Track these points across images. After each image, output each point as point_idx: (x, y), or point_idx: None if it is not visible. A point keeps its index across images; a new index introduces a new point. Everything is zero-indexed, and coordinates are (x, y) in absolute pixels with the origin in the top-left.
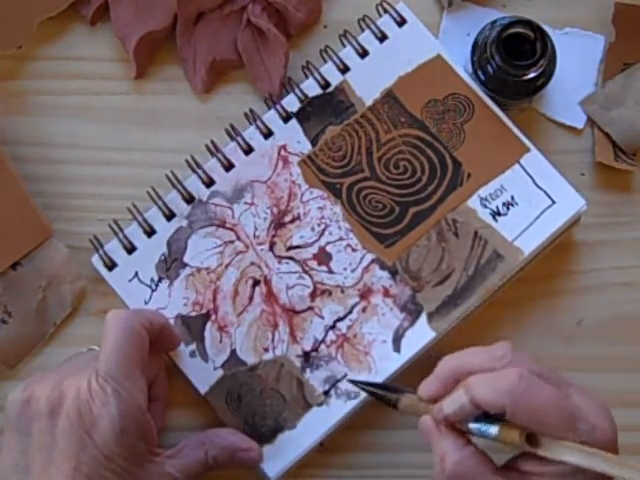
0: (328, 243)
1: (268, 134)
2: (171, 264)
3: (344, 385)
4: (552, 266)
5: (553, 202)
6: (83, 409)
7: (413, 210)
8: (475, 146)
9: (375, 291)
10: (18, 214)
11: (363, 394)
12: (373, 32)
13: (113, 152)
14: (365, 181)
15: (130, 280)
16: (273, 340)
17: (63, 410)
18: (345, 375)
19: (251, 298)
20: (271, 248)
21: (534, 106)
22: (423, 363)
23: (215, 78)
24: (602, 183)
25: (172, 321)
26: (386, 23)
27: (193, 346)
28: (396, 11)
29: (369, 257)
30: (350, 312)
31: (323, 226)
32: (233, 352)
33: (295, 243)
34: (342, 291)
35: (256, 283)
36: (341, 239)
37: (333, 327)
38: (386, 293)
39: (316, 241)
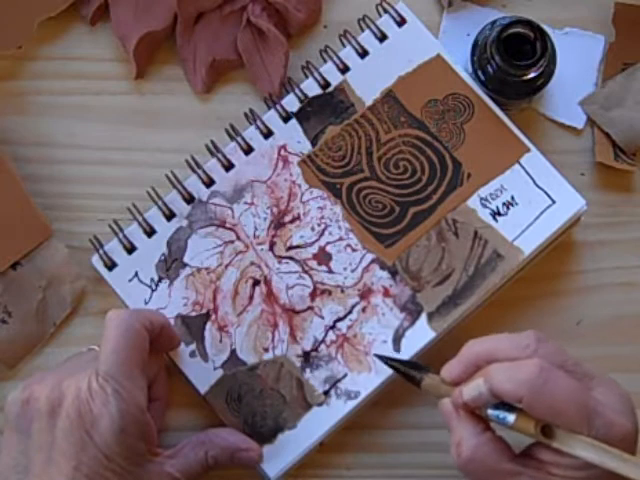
0: (328, 243)
1: (268, 134)
2: (171, 264)
3: (344, 385)
4: (552, 266)
5: (553, 202)
6: (83, 409)
7: (413, 210)
8: (475, 146)
9: (375, 291)
10: (18, 214)
11: (363, 394)
12: (373, 32)
13: (113, 152)
14: (365, 181)
15: (130, 280)
16: (273, 340)
17: (63, 410)
18: (345, 375)
19: (251, 298)
20: (271, 248)
21: (534, 106)
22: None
23: (215, 78)
24: (602, 183)
25: (172, 321)
26: (386, 23)
27: (193, 346)
28: (396, 11)
29: (369, 257)
30: (350, 312)
31: (323, 226)
32: (233, 352)
33: (295, 243)
34: (342, 291)
35: (256, 283)
36: (341, 239)
37: (333, 327)
38: (386, 293)
39: (316, 241)
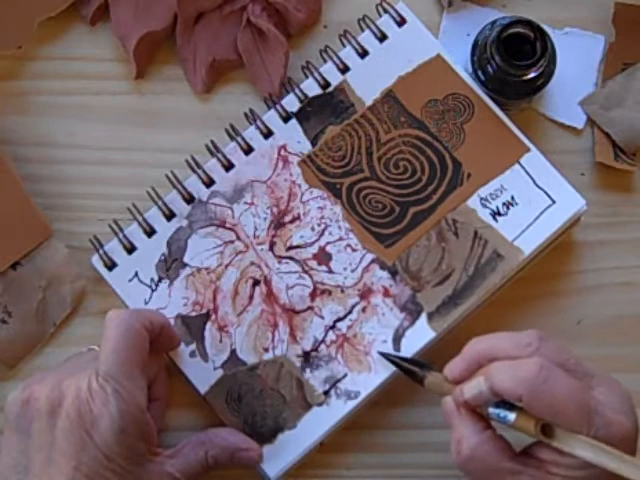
0: (328, 243)
1: (268, 134)
2: (171, 264)
3: (344, 385)
4: (552, 266)
5: (553, 202)
6: (83, 409)
7: (413, 210)
8: (475, 146)
9: (375, 291)
10: (18, 214)
11: (363, 394)
12: (373, 32)
13: (113, 152)
14: (365, 181)
15: (130, 280)
16: (273, 340)
17: (63, 410)
18: (345, 375)
19: (251, 298)
20: (271, 248)
21: (534, 106)
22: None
23: (215, 78)
24: (602, 183)
25: (172, 321)
26: (386, 23)
27: (193, 346)
28: (396, 11)
29: (369, 257)
30: (350, 312)
31: (323, 226)
32: (233, 352)
33: (295, 243)
34: (342, 291)
35: (256, 283)
36: (341, 239)
37: (333, 327)
38: (386, 293)
39: (316, 241)
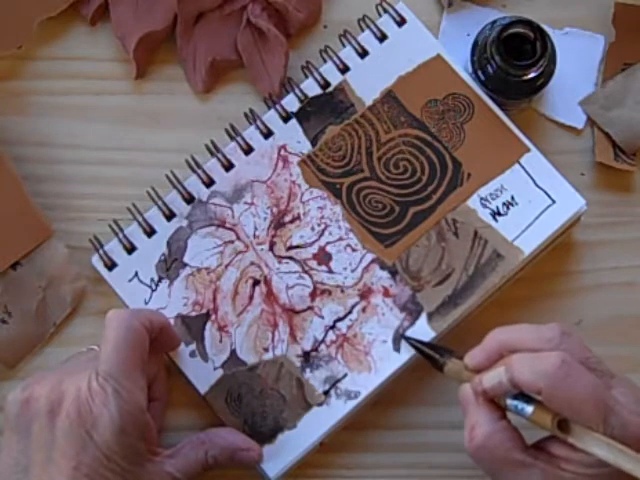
0: (328, 243)
1: (268, 134)
2: (171, 264)
3: (344, 385)
4: (552, 266)
5: (553, 202)
6: (83, 409)
7: (413, 210)
8: (475, 146)
9: (375, 291)
10: (18, 214)
11: (363, 394)
12: (373, 32)
13: (113, 152)
14: (365, 181)
15: (130, 280)
16: (273, 340)
17: (63, 410)
18: (345, 375)
19: (251, 298)
20: (271, 248)
21: (534, 106)
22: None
23: (215, 78)
24: (602, 183)
25: (172, 321)
26: (386, 23)
27: (193, 346)
28: (396, 11)
29: (369, 257)
30: (350, 312)
31: (323, 226)
32: (233, 352)
33: (295, 243)
34: (342, 291)
35: (256, 283)
36: (341, 239)
37: (333, 327)
38: (386, 293)
39: (316, 241)
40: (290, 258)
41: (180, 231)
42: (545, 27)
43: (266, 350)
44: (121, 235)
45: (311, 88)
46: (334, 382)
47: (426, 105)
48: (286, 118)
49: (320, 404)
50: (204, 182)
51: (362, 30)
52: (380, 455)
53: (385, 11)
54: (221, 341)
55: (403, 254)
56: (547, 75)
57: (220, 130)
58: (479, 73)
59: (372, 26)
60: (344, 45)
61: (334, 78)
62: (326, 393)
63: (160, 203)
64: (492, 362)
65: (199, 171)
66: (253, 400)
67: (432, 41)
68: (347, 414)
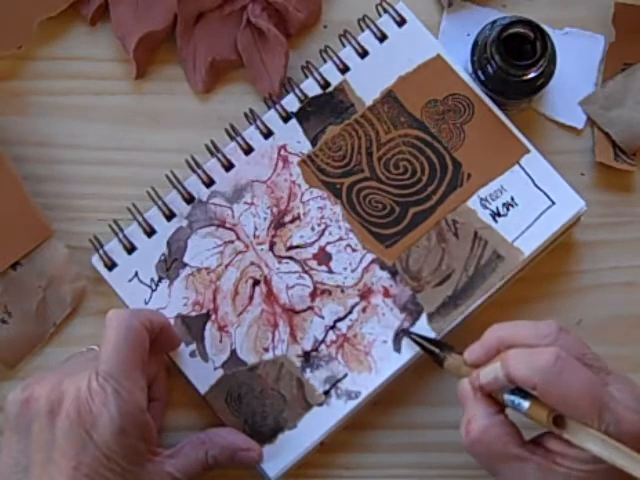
0: (328, 243)
1: (268, 134)
2: (171, 264)
3: (344, 385)
4: (552, 266)
5: (553, 203)
6: (83, 408)
7: (413, 210)
8: (475, 147)
9: (375, 291)
10: (18, 214)
11: (363, 394)
12: (373, 32)
13: (113, 152)
14: (365, 181)
15: (130, 280)
16: (273, 340)
17: (62, 410)
18: (345, 375)
19: (251, 298)
20: (271, 248)
21: (534, 106)
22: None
23: (215, 78)
24: (602, 183)
25: (172, 321)
26: (386, 23)
27: (193, 346)
28: (396, 11)
29: (369, 257)
30: (350, 312)
31: (323, 226)
32: (233, 352)
33: (295, 243)
34: (342, 291)
35: (256, 283)
36: (341, 239)
37: (333, 327)
38: (386, 293)
39: (316, 241)
40: (290, 258)
41: (180, 231)
42: (545, 27)
43: (266, 350)
44: (121, 235)
45: (311, 88)
46: (334, 382)
47: (426, 105)
48: (286, 118)
49: (320, 404)
50: (204, 182)
51: (362, 30)
52: (380, 455)
53: (385, 11)
54: (221, 341)
55: (403, 254)
56: (547, 75)
57: (220, 130)
58: (479, 73)
59: (372, 26)
60: (344, 45)
61: (334, 78)
62: (326, 393)
63: (160, 203)
64: (490, 357)
65: (199, 171)
66: (253, 400)
67: (432, 41)
68: (347, 414)
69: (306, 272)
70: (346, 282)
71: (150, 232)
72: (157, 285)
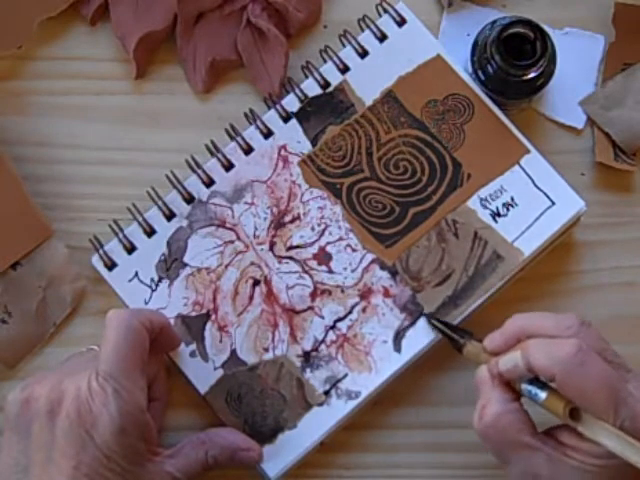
0: (328, 243)
1: (268, 134)
2: (171, 264)
3: (344, 385)
4: (552, 266)
5: (553, 203)
6: (83, 408)
7: (413, 210)
8: (475, 147)
9: (375, 291)
10: (18, 214)
11: (363, 394)
12: (373, 32)
13: (113, 152)
14: (365, 181)
15: (130, 280)
16: (273, 340)
17: (63, 410)
18: (346, 375)
19: (251, 298)
20: (271, 248)
21: (534, 106)
22: None
23: (215, 78)
24: (602, 183)
25: (172, 321)
26: (386, 23)
27: (193, 346)
28: (396, 11)
29: (369, 257)
30: (350, 312)
31: (323, 226)
32: (233, 352)
33: (295, 243)
34: (342, 291)
35: (256, 283)
36: (341, 239)
37: (333, 327)
38: (386, 293)
39: (316, 241)
40: (290, 258)
41: (180, 231)
42: (545, 27)
43: (266, 350)
44: (121, 235)
45: (311, 88)
46: (334, 382)
47: (426, 105)
48: (286, 118)
49: (320, 404)
50: (204, 182)
51: (362, 30)
52: (380, 455)
53: (385, 11)
54: (221, 341)
55: (403, 254)
56: (547, 75)
57: (220, 130)
58: (479, 73)
59: (372, 26)
60: (344, 45)
61: (334, 78)
62: (326, 393)
63: (160, 203)
64: (510, 346)
65: (199, 171)
66: (253, 400)
67: (432, 41)
68: (347, 414)
69: (306, 272)
70: (346, 282)
71: (150, 232)
72: (157, 285)
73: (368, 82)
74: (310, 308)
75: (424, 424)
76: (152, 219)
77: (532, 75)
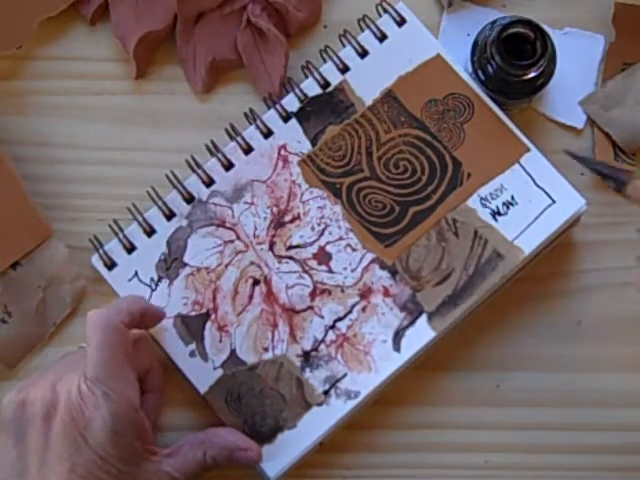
0: (328, 243)
1: (268, 134)
2: (171, 264)
3: (344, 385)
4: (552, 266)
5: (553, 201)
6: (75, 412)
7: (413, 210)
8: (475, 146)
9: (375, 291)
10: (18, 214)
11: (363, 394)
12: (373, 32)
13: (113, 152)
14: (365, 181)
15: (130, 280)
16: (273, 340)
17: (57, 413)
18: (345, 375)
19: (251, 297)
20: (271, 248)
21: (534, 106)
22: None
23: (215, 78)
24: (602, 183)
25: (172, 320)
26: (386, 23)
27: (193, 346)
28: (396, 11)
29: (369, 257)
30: (350, 312)
31: (323, 226)
32: (233, 352)
33: (295, 243)
34: (342, 291)
35: (256, 283)
36: (341, 239)
37: (333, 327)
38: (386, 293)
39: (316, 241)
40: (290, 258)
41: (180, 231)
42: (545, 27)
43: (266, 350)
44: (121, 235)
45: (311, 88)
46: (334, 382)
47: (426, 105)
48: (286, 118)
49: (320, 404)
50: (204, 182)
51: (362, 30)
52: (380, 455)
53: (385, 11)
54: (221, 341)
55: (403, 254)
56: (547, 75)
57: (220, 130)
58: (479, 73)
59: (372, 26)
60: (344, 45)
61: (334, 78)
62: (326, 393)
63: (160, 203)
64: None
65: (199, 171)
66: (253, 400)
67: (432, 41)
68: (347, 414)
69: (306, 272)
70: (346, 282)
71: (150, 232)
72: (157, 285)
73: (368, 82)
74: (310, 308)
75: (424, 424)
76: (152, 219)
77: (532, 75)
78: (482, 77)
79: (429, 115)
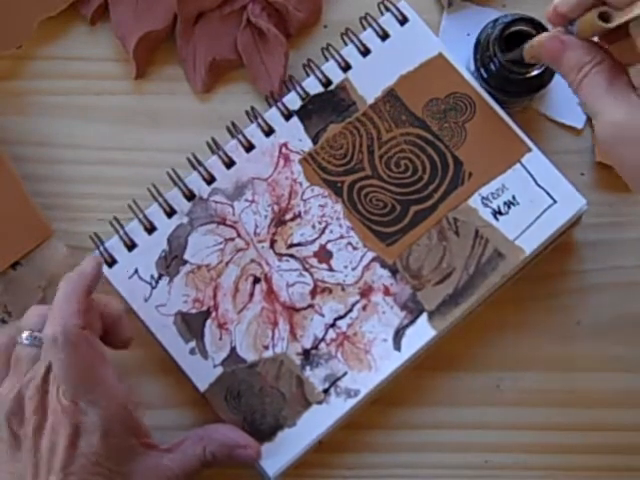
0: (329, 241)
1: (269, 132)
2: (171, 261)
3: (344, 383)
4: (552, 266)
5: (554, 201)
6: (64, 421)
7: (414, 209)
8: (476, 145)
9: (376, 289)
10: (18, 214)
11: (363, 392)
12: (375, 30)
13: (113, 152)
14: (366, 179)
15: (130, 277)
16: (273, 338)
17: (47, 423)
18: (345, 373)
19: (251, 295)
20: (272, 246)
21: (535, 106)
22: None
23: (215, 78)
24: (602, 183)
25: (172, 318)
26: (388, 21)
27: (193, 343)
28: (398, 9)
29: (370, 255)
30: (350, 310)
31: (324, 224)
32: (233, 349)
33: (296, 241)
34: (343, 289)
35: (256, 280)
36: (342, 237)
37: (333, 325)
38: (387, 291)
39: (317, 239)
40: (291, 256)
41: (180, 228)
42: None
43: (266, 348)
44: (122, 232)
45: (313, 86)
46: (334, 380)
47: (428, 104)
48: (287, 116)
49: (320, 402)
50: (205, 179)
51: (364, 28)
52: (380, 455)
53: (387, 9)
54: (221, 338)
55: (404, 253)
56: (549, 73)
57: (220, 130)
58: (481, 71)
59: (374, 24)
60: (346, 43)
61: (336, 76)
62: (326, 391)
63: (161, 200)
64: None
65: (200, 168)
66: (253, 398)
67: (434, 40)
68: (347, 412)
69: (306, 270)
70: (346, 280)
71: (150, 229)
72: (157, 282)
73: (370, 80)
74: (310, 306)
75: (424, 424)
76: (152, 216)
77: (534, 73)
78: (484, 75)
79: (431, 114)
